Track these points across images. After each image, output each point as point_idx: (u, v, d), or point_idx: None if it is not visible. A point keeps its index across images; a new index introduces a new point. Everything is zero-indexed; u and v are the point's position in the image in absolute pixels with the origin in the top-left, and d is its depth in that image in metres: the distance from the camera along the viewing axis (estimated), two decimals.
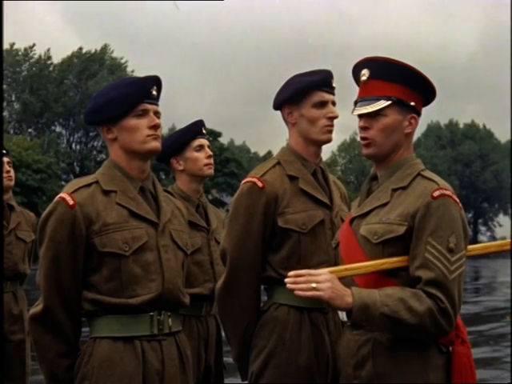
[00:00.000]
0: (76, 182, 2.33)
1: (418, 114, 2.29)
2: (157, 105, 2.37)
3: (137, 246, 2.25)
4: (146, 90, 2.33)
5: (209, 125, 3.66)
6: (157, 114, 2.36)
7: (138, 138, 2.31)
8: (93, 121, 2.40)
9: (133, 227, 2.27)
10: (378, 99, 2.24)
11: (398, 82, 2.23)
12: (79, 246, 2.22)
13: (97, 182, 2.31)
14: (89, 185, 2.30)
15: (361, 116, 2.28)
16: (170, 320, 2.30)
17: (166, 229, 2.35)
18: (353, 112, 2.30)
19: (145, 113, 2.32)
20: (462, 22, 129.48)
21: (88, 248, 2.23)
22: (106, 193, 2.29)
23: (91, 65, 53.84)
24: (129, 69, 56.04)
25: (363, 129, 2.27)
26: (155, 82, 2.37)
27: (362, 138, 2.29)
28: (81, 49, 55.46)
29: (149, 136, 2.31)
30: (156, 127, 2.33)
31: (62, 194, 2.26)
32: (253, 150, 76.21)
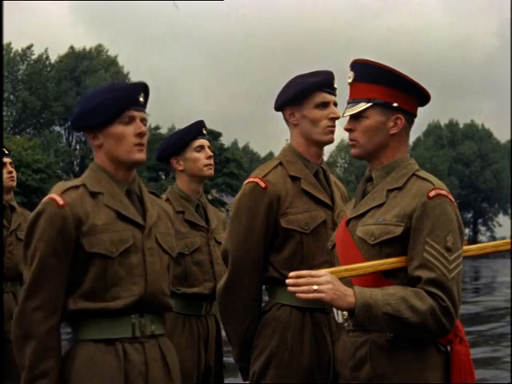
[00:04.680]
0: (63, 184, 2.31)
1: (408, 114, 2.29)
2: (144, 112, 2.35)
3: (123, 248, 2.24)
4: (133, 96, 2.31)
5: (213, 124, 3.67)
6: (143, 121, 2.33)
7: (124, 147, 2.29)
8: (79, 126, 2.39)
9: (120, 229, 2.25)
10: (359, 102, 2.27)
11: (380, 84, 2.25)
12: (68, 246, 2.20)
13: (84, 185, 2.29)
14: (76, 187, 2.28)
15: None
16: (152, 323, 2.29)
17: (151, 231, 2.33)
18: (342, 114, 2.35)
19: (131, 120, 2.29)
20: (483, 18, 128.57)
21: (75, 248, 2.21)
22: (94, 195, 2.28)
23: (83, 62, 53.98)
24: (135, 66, 56.06)
25: (348, 131, 2.31)
26: (142, 88, 2.35)
27: (349, 139, 2.33)
28: (72, 48, 55.64)
29: (135, 145, 2.29)
30: (142, 135, 2.30)
31: (51, 195, 2.25)
32: (255, 151, 76.41)
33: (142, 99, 2.33)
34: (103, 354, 2.19)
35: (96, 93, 2.38)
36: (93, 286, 2.21)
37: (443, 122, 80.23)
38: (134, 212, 2.31)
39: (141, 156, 2.31)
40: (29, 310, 2.21)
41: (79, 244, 2.21)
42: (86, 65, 54.28)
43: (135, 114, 2.30)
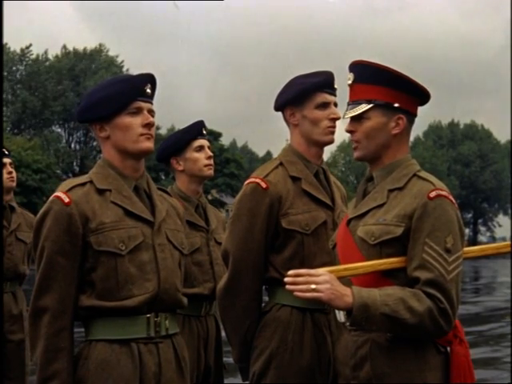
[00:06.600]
0: (70, 182, 2.30)
1: (408, 114, 2.29)
2: (151, 103, 2.33)
3: (133, 245, 2.22)
4: (140, 87, 2.29)
5: (212, 124, 3.68)
6: (151, 112, 2.32)
7: (131, 137, 2.27)
8: (85, 118, 2.36)
9: (128, 226, 2.24)
10: (360, 103, 2.27)
11: (380, 85, 2.25)
12: (76, 244, 2.19)
13: (91, 182, 2.28)
14: (83, 184, 2.27)
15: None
16: (167, 322, 2.28)
17: (161, 228, 2.32)
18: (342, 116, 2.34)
19: (138, 111, 2.28)
20: (490, 17, 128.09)
21: (84, 247, 2.20)
22: (101, 192, 2.26)
23: (82, 61, 54.10)
24: (135, 66, 56.23)
25: (350, 132, 2.31)
26: (149, 79, 2.34)
27: (351, 141, 2.33)
28: (65, 48, 55.80)
29: (142, 135, 2.28)
30: (150, 125, 2.29)
31: (56, 193, 2.23)
32: (254, 150, 76.46)
33: (149, 90, 2.32)
34: (118, 355, 2.18)
35: (102, 85, 2.37)
36: (104, 284, 2.19)
37: (446, 121, 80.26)
38: (143, 208, 2.30)
39: (148, 144, 2.30)
40: (38, 310, 2.20)
41: (87, 242, 2.20)
42: (85, 64, 54.35)
43: (142, 105, 2.29)
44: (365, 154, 2.29)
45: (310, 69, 2.90)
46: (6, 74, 50.25)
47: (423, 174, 2.26)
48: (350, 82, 2.32)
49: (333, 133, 2.83)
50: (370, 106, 2.25)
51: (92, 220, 2.20)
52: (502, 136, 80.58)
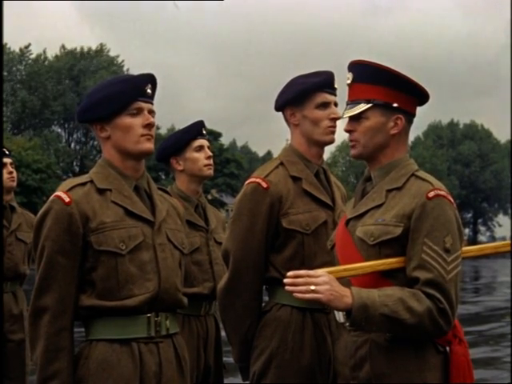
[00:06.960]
0: (70, 181, 2.30)
1: (407, 114, 2.29)
2: (151, 103, 2.33)
3: (133, 245, 2.22)
4: (141, 87, 2.29)
5: (212, 124, 3.69)
6: (151, 112, 2.32)
7: (132, 138, 2.27)
8: (86, 119, 2.35)
9: (129, 226, 2.24)
10: (359, 103, 2.27)
11: (379, 84, 2.25)
12: (76, 244, 2.19)
13: (91, 181, 2.28)
14: (83, 183, 2.27)
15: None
16: (167, 322, 2.28)
17: (161, 227, 2.32)
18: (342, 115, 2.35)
19: (139, 111, 2.28)
20: (490, 17, 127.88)
21: (84, 246, 2.20)
22: (101, 191, 2.26)
23: (80, 61, 54.14)
24: (136, 65, 56.30)
25: (348, 132, 2.31)
26: (150, 79, 2.34)
27: (349, 140, 2.33)
28: (64, 47, 55.86)
29: (143, 136, 2.28)
30: (150, 126, 2.29)
31: (57, 193, 2.23)
32: (254, 150, 76.50)
33: (149, 91, 2.31)
34: (118, 354, 2.18)
35: (102, 85, 2.36)
36: (105, 284, 2.19)
37: (446, 121, 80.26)
38: (143, 208, 2.30)
39: (149, 145, 2.29)
40: (38, 310, 2.20)
41: (88, 242, 2.20)
42: (84, 64, 54.39)
43: (143, 105, 2.29)
44: (362, 152, 2.30)
45: (310, 68, 2.91)
46: (6, 74, 50.26)
47: (421, 173, 2.26)
48: (348, 81, 2.33)
49: (333, 132, 2.83)
50: (369, 105, 2.25)
51: (92, 219, 2.20)
52: (501, 136, 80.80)
